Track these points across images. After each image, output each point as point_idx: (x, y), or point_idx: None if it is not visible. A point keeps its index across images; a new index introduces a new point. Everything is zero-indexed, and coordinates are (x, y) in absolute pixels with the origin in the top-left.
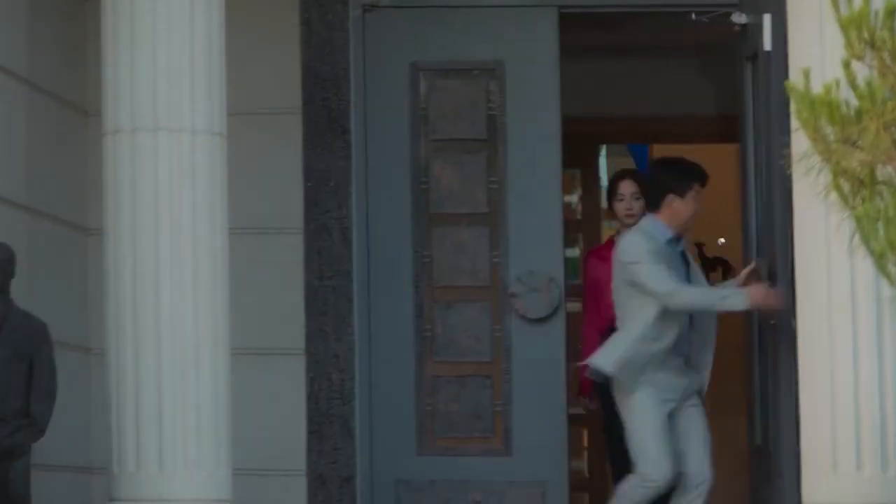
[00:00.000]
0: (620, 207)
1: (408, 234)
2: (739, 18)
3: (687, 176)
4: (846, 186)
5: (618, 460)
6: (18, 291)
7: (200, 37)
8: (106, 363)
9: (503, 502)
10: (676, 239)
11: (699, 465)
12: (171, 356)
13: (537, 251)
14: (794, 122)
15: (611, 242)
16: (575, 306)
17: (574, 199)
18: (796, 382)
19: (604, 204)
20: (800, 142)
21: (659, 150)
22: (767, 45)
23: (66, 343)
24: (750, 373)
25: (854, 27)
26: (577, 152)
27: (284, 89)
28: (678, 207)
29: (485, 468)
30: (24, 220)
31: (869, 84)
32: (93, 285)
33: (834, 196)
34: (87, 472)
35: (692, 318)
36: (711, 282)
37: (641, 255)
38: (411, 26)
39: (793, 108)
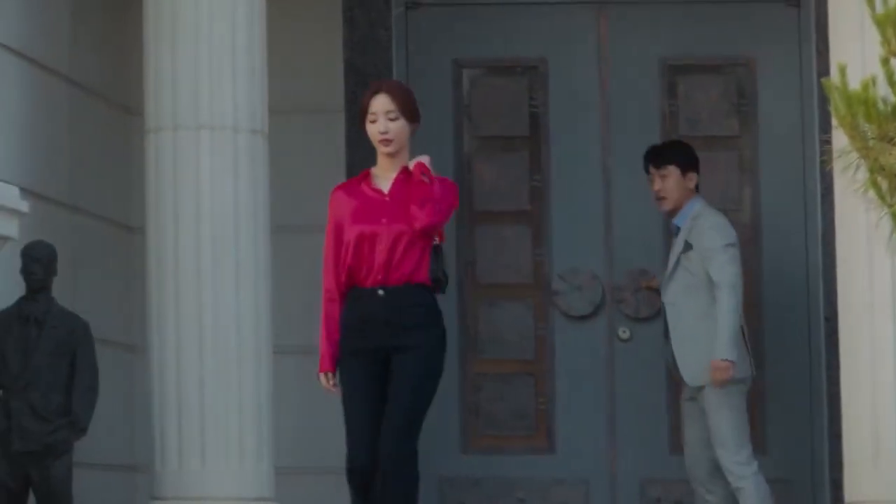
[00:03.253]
0: (373, 130)
1: (451, 232)
2: None
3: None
4: (884, 184)
5: None
6: (62, 290)
7: (242, 35)
8: (148, 361)
9: (547, 500)
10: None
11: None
12: (213, 354)
13: (580, 248)
14: (834, 119)
15: (365, 176)
16: None
17: None
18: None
19: None
20: (840, 138)
21: None
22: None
23: (110, 341)
24: None
25: (890, 24)
26: None
27: (327, 87)
28: None
29: (529, 466)
30: (68, 218)
31: None
32: (137, 283)
33: (872, 193)
34: (131, 471)
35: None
36: None
37: (731, 238)
38: (454, 23)
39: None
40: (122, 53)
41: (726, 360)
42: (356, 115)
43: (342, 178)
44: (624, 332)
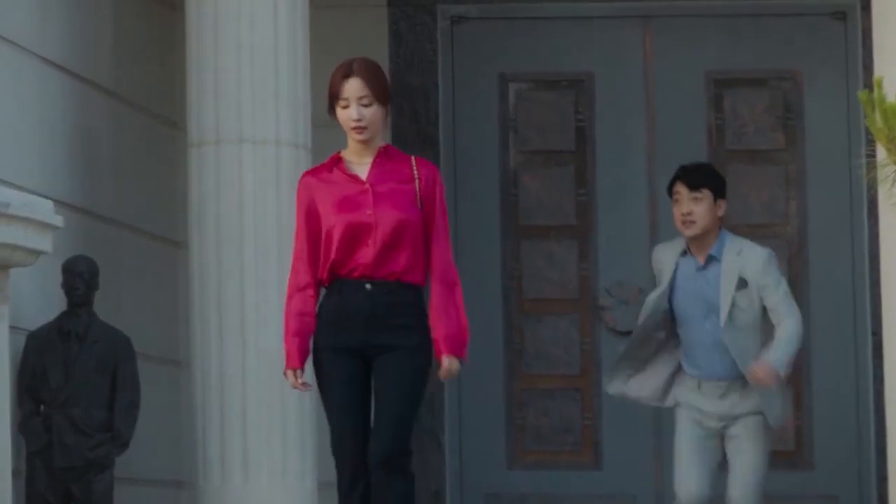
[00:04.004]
0: (345, 116)
1: (497, 246)
2: None
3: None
4: None
5: None
6: (106, 305)
7: (285, 50)
8: (191, 375)
9: None
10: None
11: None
12: (256, 368)
13: (626, 263)
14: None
15: (336, 161)
16: None
17: None
18: None
19: None
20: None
21: None
22: None
23: (155, 356)
24: None
25: None
26: None
27: None
28: None
29: (575, 482)
30: (112, 233)
31: None
32: (182, 298)
33: None
34: (174, 487)
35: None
36: None
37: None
38: (500, 37)
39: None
40: (166, 67)
41: (779, 372)
42: (403, 129)
43: None
44: None
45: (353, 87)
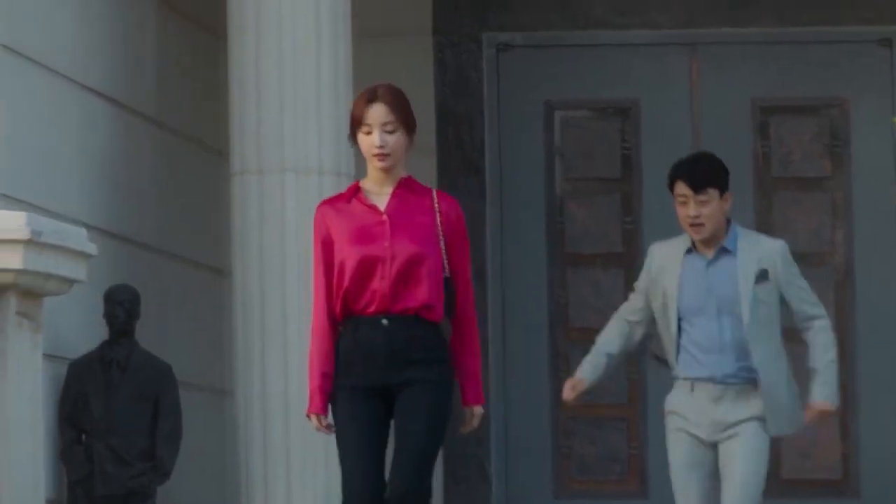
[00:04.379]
0: (367, 143)
1: (543, 274)
2: None
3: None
4: None
5: None
6: (150, 333)
7: (327, 77)
8: (234, 403)
9: None
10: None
11: None
12: (298, 395)
13: None
14: None
15: (355, 190)
16: None
17: None
18: None
19: None
20: None
21: None
22: None
23: (199, 384)
24: None
25: None
26: None
27: (418, 129)
28: None
29: None
30: (156, 262)
31: None
32: (226, 326)
33: None
34: None
35: None
36: None
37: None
38: (546, 65)
39: None
40: (211, 95)
41: (834, 406)
42: (448, 157)
43: None
44: None
45: (377, 113)
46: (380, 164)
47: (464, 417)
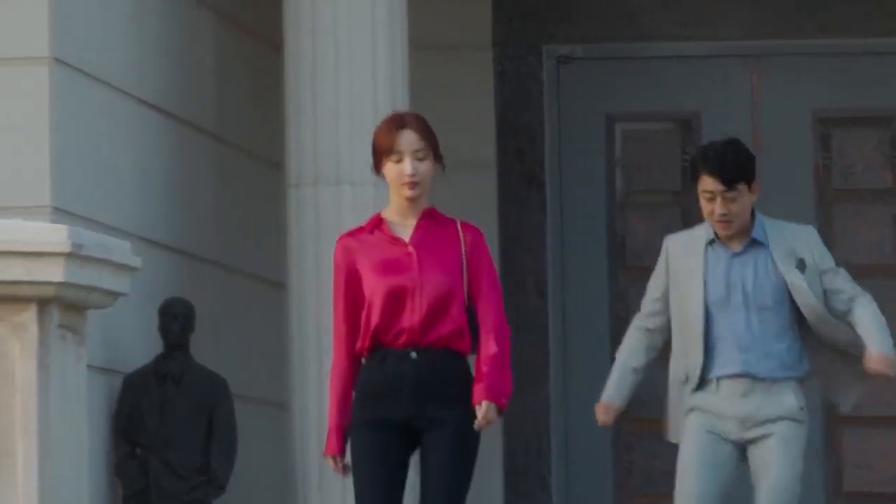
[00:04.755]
0: (396, 171)
1: (604, 287)
2: None
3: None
4: None
5: None
6: (207, 346)
7: (384, 89)
8: (290, 415)
9: None
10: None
11: None
12: None
13: None
14: None
15: (378, 222)
16: None
17: None
18: None
19: None
20: None
21: None
22: None
23: (256, 397)
24: None
25: None
26: None
27: (478, 142)
28: None
29: None
30: (213, 274)
31: None
32: (284, 339)
33: None
34: None
35: None
36: None
37: None
38: (606, 77)
39: None
40: (269, 107)
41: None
42: (508, 170)
43: (493, 238)
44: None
45: (408, 140)
46: (409, 193)
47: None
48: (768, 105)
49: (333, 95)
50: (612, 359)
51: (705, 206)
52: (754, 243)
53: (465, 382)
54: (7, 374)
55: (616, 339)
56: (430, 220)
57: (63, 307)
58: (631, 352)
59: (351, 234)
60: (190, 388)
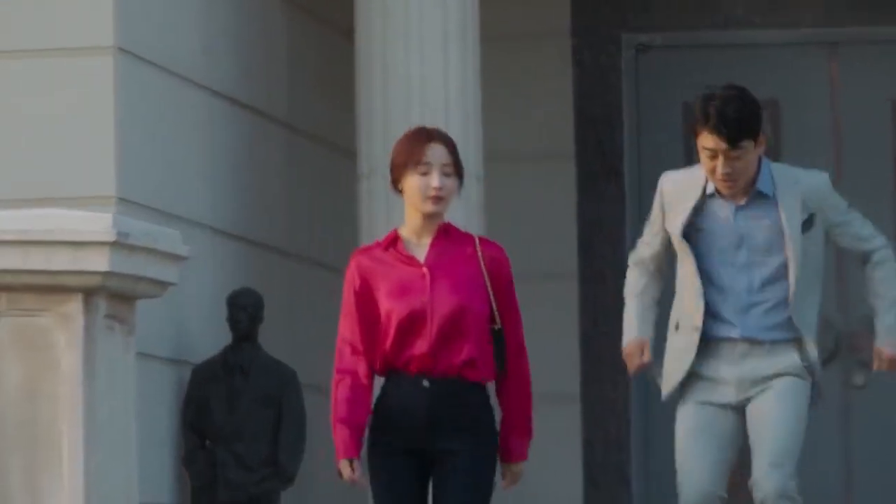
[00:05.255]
0: (421, 184)
1: None
2: None
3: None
4: None
5: None
6: (278, 337)
7: (455, 77)
8: None
9: None
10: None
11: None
12: None
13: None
14: None
15: (393, 240)
16: None
17: None
18: None
19: None
20: None
21: None
22: None
23: (326, 389)
24: None
25: None
26: None
27: (558, 132)
28: None
29: None
30: (285, 265)
31: None
32: None
33: None
34: None
35: None
36: None
37: None
38: (684, 66)
39: None
40: (342, 96)
41: None
42: (587, 160)
43: (573, 228)
44: (859, 380)
45: (438, 153)
46: (432, 208)
47: (504, 474)
48: (847, 93)
49: (404, 83)
50: None
51: (706, 163)
52: (760, 196)
53: (479, 411)
54: (53, 364)
55: None
56: (447, 238)
57: (109, 297)
58: (644, 285)
59: (364, 251)
60: (258, 380)
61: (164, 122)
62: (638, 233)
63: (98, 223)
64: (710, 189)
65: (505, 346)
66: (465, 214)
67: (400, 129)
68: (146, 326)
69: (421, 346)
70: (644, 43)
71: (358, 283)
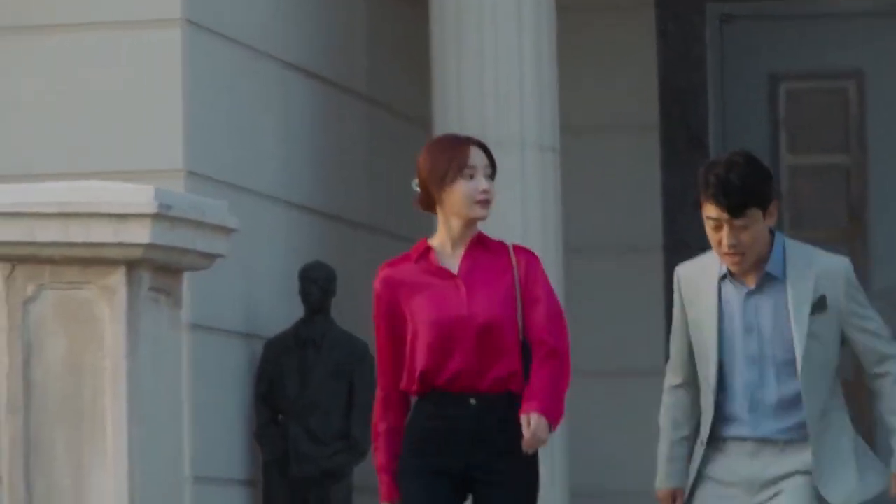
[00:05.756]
0: (467, 188)
1: None
2: None
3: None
4: None
5: None
6: (351, 311)
7: (529, 48)
8: None
9: None
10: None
11: None
12: None
13: None
14: None
15: (425, 251)
16: None
17: None
18: None
19: None
20: None
21: None
22: None
23: None
24: None
25: None
26: None
27: (641, 104)
28: None
29: None
30: (365, 239)
31: None
32: None
33: None
34: None
35: None
36: None
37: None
38: (769, 36)
39: None
40: (419, 69)
41: None
42: (671, 132)
43: (657, 200)
44: None
45: (479, 156)
46: (483, 212)
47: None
48: None
49: (478, 54)
50: None
51: (711, 235)
52: (770, 279)
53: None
54: (97, 337)
55: None
56: (481, 248)
57: (154, 269)
58: (674, 421)
59: (393, 263)
60: (331, 353)
61: (235, 94)
62: None
63: (140, 195)
64: (723, 270)
65: (533, 350)
66: (542, 187)
67: (474, 101)
68: (218, 300)
69: (463, 362)
70: (728, 13)
71: (387, 299)
